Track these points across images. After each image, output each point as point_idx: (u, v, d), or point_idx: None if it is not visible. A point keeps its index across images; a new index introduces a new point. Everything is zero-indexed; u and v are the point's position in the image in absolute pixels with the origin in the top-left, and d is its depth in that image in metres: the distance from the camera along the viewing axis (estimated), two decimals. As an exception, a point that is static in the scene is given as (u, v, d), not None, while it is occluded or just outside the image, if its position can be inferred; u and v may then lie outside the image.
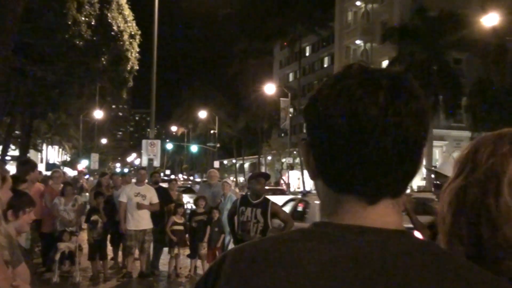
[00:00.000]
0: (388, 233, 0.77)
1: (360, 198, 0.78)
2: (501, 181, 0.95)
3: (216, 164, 47.26)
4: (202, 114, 54.81)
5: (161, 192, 9.12)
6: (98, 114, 42.04)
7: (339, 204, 0.80)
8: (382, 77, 0.77)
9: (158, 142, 18.56)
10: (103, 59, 18.42)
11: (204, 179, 18.08)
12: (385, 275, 0.72)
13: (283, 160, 45.89)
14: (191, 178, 49.94)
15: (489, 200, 0.95)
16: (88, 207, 9.50)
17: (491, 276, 0.77)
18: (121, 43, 18.59)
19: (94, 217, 8.19)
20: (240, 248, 0.81)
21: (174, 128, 71.21)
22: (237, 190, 15.44)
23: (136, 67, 20.57)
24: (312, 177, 0.83)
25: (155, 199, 8.42)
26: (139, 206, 8.11)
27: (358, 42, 44.37)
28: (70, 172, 33.74)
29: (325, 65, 52.68)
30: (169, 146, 65.09)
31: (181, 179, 49.76)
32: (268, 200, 6.01)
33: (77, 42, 16.32)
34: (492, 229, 0.94)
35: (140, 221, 8.18)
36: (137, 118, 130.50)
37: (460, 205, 0.99)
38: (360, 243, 0.75)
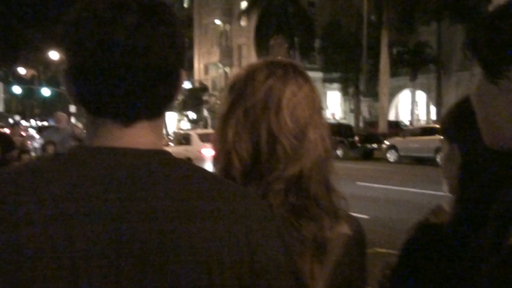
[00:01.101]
0: (140, 153, 0.78)
1: (116, 121, 0.79)
2: (281, 99, 1.04)
3: (72, 108, 44.46)
4: (54, 55, 50.61)
5: (1, 138, 8.49)
6: None
7: (96, 127, 0.80)
8: (133, 1, 0.77)
9: (0, 85, 16.91)
10: None
11: (51, 124, 16.94)
12: (133, 195, 0.74)
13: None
14: (40, 123, 46.20)
15: (270, 116, 1.03)
16: None
17: (242, 189, 0.85)
18: None
19: None
20: None
21: (22, 71, 65.09)
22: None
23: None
24: (75, 103, 0.82)
25: (-6, 146, 7.77)
26: (-25, 154, 7.43)
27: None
28: None
29: (185, 5, 51.48)
30: (18, 90, 59.57)
31: (34, 124, 46.15)
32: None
33: None
34: (271, 140, 1.03)
35: (-23, 170, 7.51)
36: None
37: (242, 125, 1.05)
38: (109, 164, 0.76)
